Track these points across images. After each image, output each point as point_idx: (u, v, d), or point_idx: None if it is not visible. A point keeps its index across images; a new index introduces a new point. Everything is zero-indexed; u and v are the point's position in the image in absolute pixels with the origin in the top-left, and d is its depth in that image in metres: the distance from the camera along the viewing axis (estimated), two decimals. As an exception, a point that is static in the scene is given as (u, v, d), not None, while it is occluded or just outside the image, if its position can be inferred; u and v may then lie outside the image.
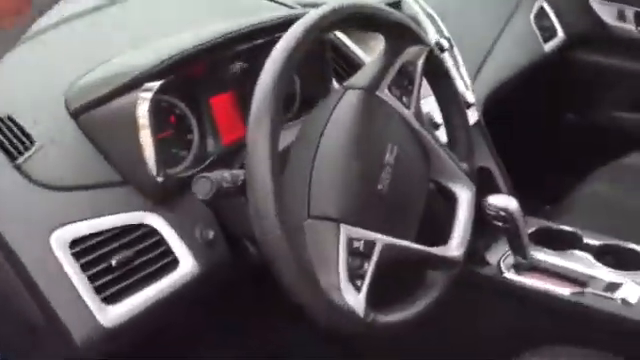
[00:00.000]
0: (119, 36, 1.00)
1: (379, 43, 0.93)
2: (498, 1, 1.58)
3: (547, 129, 1.77)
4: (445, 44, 1.26)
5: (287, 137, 0.83)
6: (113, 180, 0.87)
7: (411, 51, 0.91)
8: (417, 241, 0.88)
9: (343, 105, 0.86)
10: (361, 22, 0.87)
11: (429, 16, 1.32)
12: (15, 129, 0.84)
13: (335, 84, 1.10)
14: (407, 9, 1.29)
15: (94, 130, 0.88)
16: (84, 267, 0.80)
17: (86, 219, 0.83)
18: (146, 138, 0.85)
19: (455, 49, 1.33)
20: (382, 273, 0.80)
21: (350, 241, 0.78)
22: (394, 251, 0.82)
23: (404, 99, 0.90)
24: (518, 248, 1.12)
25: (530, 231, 1.21)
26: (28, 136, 0.84)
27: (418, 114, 0.92)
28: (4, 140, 0.83)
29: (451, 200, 0.97)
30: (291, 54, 0.76)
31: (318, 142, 0.82)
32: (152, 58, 0.88)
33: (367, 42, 1.19)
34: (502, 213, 1.07)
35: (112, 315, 0.81)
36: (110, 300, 0.81)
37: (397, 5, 1.29)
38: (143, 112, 0.85)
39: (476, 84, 1.34)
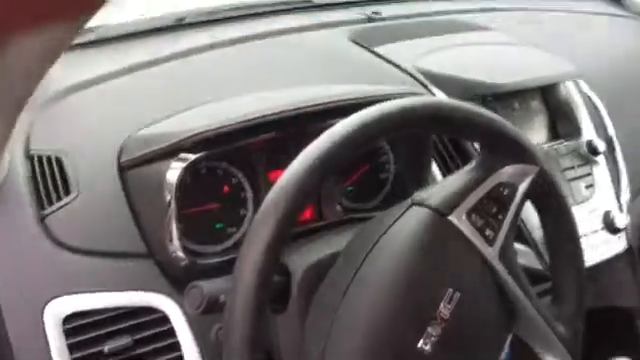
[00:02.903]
0: (196, 88, 0.91)
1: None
2: None
3: None
4: (600, 147, 1.00)
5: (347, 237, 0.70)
6: (140, 252, 0.79)
7: (510, 170, 0.70)
8: None
9: (402, 225, 0.68)
10: (439, 126, 0.69)
11: (591, 106, 1.07)
12: (57, 174, 0.78)
13: (436, 174, 0.91)
14: (563, 94, 1.06)
15: (134, 191, 0.80)
16: (72, 348, 0.72)
17: (92, 292, 0.74)
18: (171, 211, 0.75)
19: (618, 153, 1.06)
20: None
21: None
22: None
23: (487, 232, 0.69)
24: None
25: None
26: (66, 183, 0.78)
27: (504, 253, 0.70)
28: (40, 184, 0.77)
29: None
30: (322, 159, 0.60)
31: (357, 268, 0.66)
32: (197, 125, 0.77)
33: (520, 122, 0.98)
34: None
35: None
36: None
37: (552, 89, 1.06)
38: (170, 183, 0.75)
39: (638, 200, 1.06)
